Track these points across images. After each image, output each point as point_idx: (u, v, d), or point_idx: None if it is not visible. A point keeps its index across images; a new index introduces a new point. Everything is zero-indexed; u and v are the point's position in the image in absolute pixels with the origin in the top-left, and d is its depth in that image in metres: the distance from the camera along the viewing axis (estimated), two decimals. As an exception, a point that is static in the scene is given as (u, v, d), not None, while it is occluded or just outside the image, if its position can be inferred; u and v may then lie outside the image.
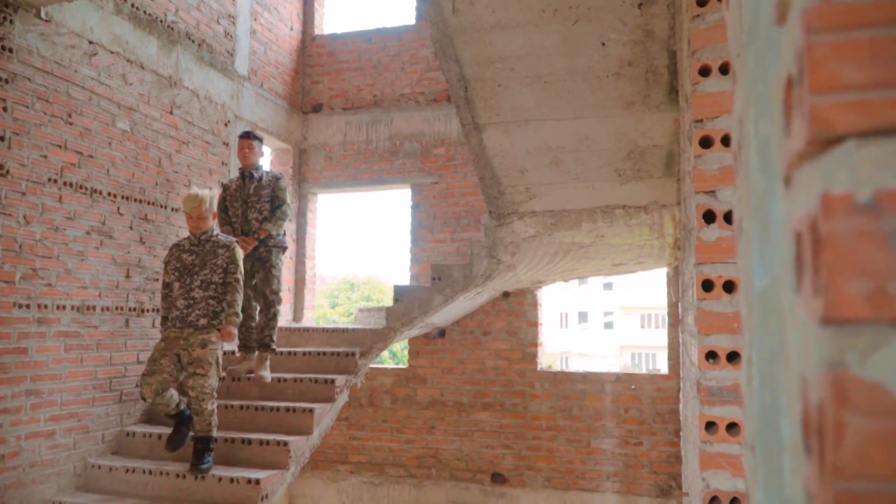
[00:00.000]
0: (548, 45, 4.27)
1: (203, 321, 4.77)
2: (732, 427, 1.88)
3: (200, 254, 4.88)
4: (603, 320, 46.45)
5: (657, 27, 3.99)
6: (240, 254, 4.96)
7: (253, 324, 5.79)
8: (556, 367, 7.49)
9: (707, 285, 1.94)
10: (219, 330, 4.81)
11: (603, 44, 4.23)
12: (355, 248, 73.82)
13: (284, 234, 5.87)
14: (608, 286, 46.09)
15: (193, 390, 4.70)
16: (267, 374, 5.77)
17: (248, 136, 5.84)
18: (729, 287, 1.92)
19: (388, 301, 30.21)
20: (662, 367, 40.96)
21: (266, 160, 8.71)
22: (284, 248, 5.84)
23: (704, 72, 1.99)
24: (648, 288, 45.98)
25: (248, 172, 5.77)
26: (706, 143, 1.97)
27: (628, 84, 4.50)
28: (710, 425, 1.91)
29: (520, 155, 5.13)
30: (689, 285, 2.63)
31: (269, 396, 5.86)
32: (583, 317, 46.56)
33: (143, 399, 4.73)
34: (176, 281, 4.87)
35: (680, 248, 5.86)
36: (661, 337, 44.87)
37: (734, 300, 1.92)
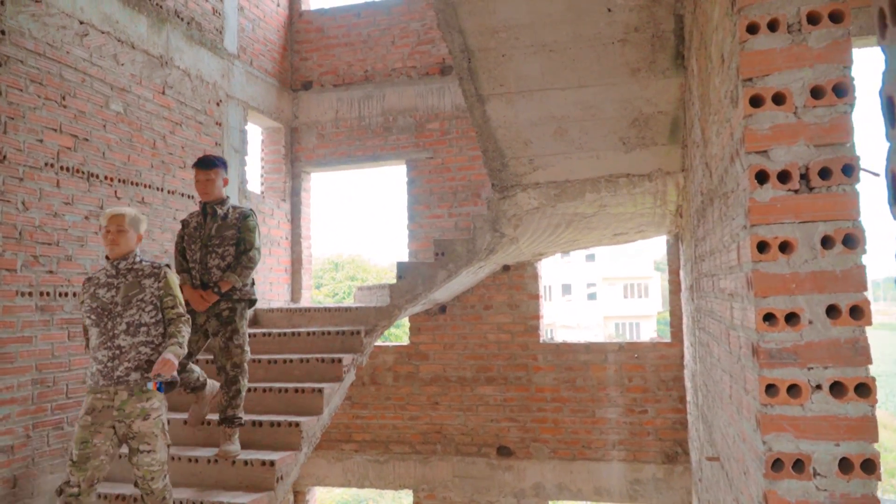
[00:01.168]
0: (553, 13, 4.20)
1: (135, 375, 3.81)
2: (792, 388, 1.87)
3: (122, 288, 3.88)
4: (586, 292, 46.78)
5: (665, -9, 3.94)
6: (173, 280, 4.01)
7: (196, 368, 4.88)
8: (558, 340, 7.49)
9: (762, 247, 1.92)
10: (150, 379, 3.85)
11: (609, 9, 4.17)
12: (338, 228, 73.58)
13: (253, 284, 4.91)
14: (591, 258, 46.38)
15: (139, 469, 3.82)
16: (234, 448, 4.88)
17: (204, 167, 4.77)
18: (784, 247, 1.90)
19: (373, 280, 30.15)
20: (646, 336, 41.35)
21: (257, 140, 8.58)
22: (253, 302, 4.90)
23: (752, 29, 1.96)
24: (631, 259, 46.31)
25: (210, 207, 4.79)
26: (756, 102, 1.94)
27: (634, 50, 4.45)
28: (770, 388, 1.89)
29: (524, 126, 5.08)
30: (721, 249, 2.61)
31: (277, 378, 5.81)
32: (566, 289, 46.87)
33: (69, 493, 3.72)
34: (94, 326, 3.87)
35: (682, 216, 5.85)
36: (644, 306, 45.31)
37: (790, 260, 1.90)
